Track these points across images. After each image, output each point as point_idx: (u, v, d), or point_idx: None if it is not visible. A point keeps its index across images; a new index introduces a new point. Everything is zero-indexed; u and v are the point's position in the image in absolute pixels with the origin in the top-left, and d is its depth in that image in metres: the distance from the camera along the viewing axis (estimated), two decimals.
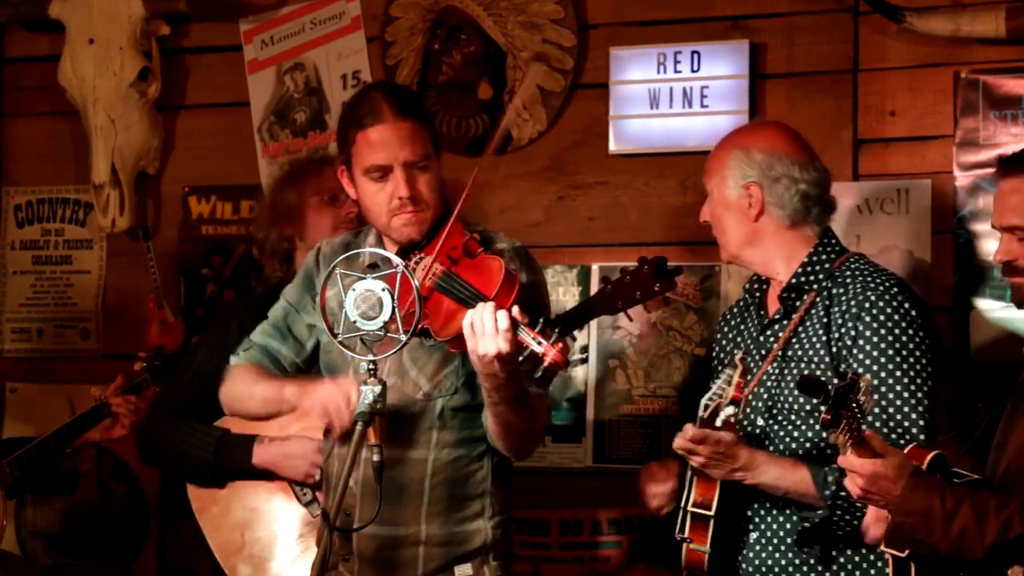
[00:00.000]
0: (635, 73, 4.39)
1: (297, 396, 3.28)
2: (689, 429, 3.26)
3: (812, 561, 3.33)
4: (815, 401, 3.17)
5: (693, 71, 4.33)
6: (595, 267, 4.39)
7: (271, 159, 4.81)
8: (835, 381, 3.23)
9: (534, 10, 4.50)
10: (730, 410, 3.27)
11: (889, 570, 2.99)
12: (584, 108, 4.48)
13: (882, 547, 2.97)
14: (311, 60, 4.79)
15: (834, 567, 3.32)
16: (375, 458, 2.99)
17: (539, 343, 2.91)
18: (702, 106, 4.32)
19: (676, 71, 4.35)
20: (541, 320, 2.95)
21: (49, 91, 4.95)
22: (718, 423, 3.26)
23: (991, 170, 3.98)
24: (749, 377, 3.44)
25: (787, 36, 4.29)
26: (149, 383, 4.21)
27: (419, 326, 3.00)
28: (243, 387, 3.42)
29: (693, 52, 4.33)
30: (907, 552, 2.93)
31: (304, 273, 3.47)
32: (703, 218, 3.56)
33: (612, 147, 4.41)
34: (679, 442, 3.27)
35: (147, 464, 4.29)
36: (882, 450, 2.92)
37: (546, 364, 2.91)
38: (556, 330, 2.93)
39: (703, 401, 3.31)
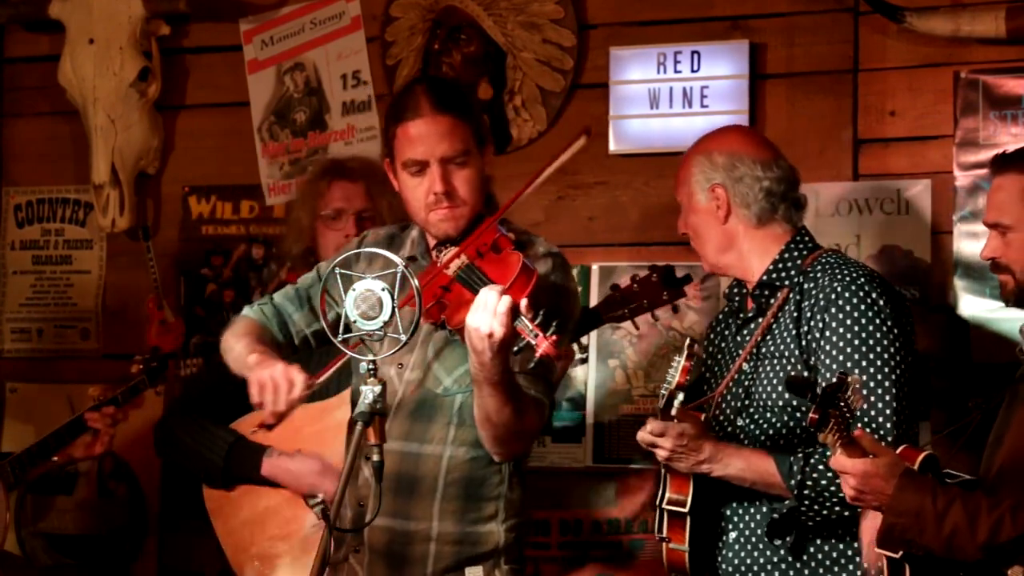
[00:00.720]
0: (635, 73, 4.39)
1: (252, 366, 3.23)
2: (650, 423, 3.28)
3: (790, 558, 3.33)
4: (802, 400, 3.18)
5: (693, 71, 4.34)
6: (595, 267, 4.39)
7: (271, 159, 4.81)
8: (805, 374, 3.25)
9: (534, 10, 4.50)
10: (680, 397, 3.27)
11: (884, 573, 2.99)
12: (584, 108, 4.48)
13: (876, 548, 2.97)
14: (311, 60, 4.79)
15: (812, 563, 3.32)
16: (375, 458, 2.98)
17: (535, 335, 2.92)
18: (702, 106, 4.32)
19: (676, 71, 4.35)
20: (542, 313, 2.95)
21: (49, 91, 4.95)
22: (672, 412, 3.27)
23: None
24: (722, 372, 3.45)
25: (787, 36, 4.29)
26: (146, 384, 4.21)
27: (420, 325, 3.01)
28: (232, 338, 3.39)
29: (693, 52, 4.34)
30: (901, 553, 2.93)
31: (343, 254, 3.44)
32: (680, 230, 3.58)
33: (612, 147, 4.41)
34: (641, 435, 3.29)
35: (162, 459, 4.32)
36: (872, 449, 2.92)
37: (538, 355, 2.91)
38: (555, 324, 2.93)
39: (661, 392, 3.33)
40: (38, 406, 4.93)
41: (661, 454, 3.28)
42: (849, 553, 3.29)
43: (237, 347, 3.35)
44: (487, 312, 2.96)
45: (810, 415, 2.85)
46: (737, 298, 3.57)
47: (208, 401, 4.04)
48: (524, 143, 4.53)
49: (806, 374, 3.27)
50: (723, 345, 3.58)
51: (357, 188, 4.06)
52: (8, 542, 4.58)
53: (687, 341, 3.36)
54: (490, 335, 2.96)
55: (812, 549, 3.32)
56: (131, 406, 4.16)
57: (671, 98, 4.36)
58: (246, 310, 3.49)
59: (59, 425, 4.16)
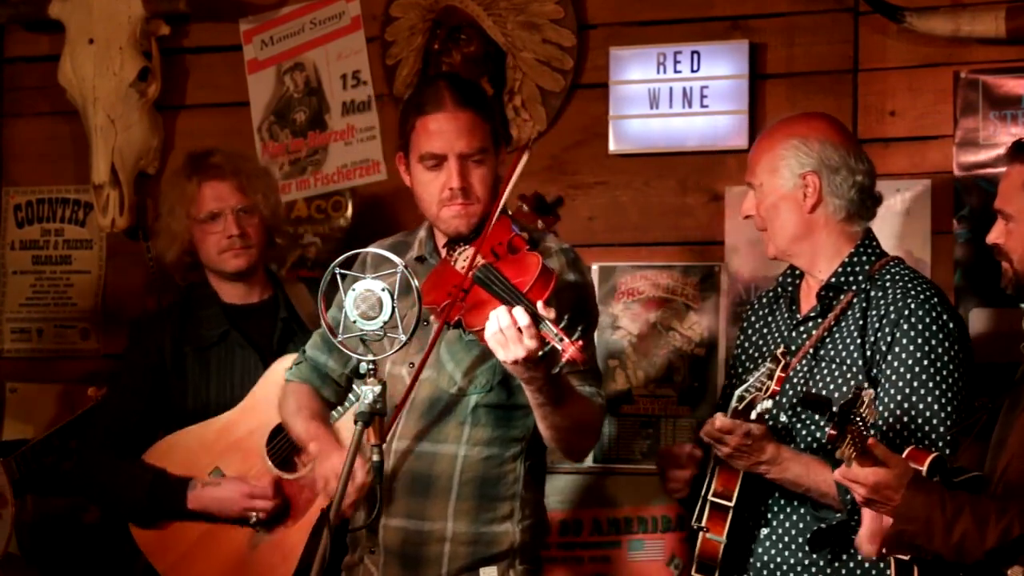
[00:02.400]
0: (635, 73, 4.39)
1: (313, 456, 3.36)
2: (719, 419, 3.24)
3: (822, 563, 3.32)
4: (820, 418, 3.17)
5: (693, 71, 4.33)
6: (595, 267, 4.38)
7: (271, 159, 4.80)
8: (865, 386, 3.21)
9: (534, 10, 4.50)
10: (767, 404, 3.24)
11: (892, 571, 2.99)
12: (584, 108, 4.48)
13: (884, 552, 2.97)
14: (311, 60, 4.78)
15: (843, 571, 3.31)
16: (375, 458, 2.98)
17: (560, 339, 2.90)
18: (702, 106, 4.32)
19: (676, 71, 4.35)
20: (567, 317, 2.93)
21: (49, 91, 4.95)
22: (752, 416, 3.24)
23: (991, 170, 4.00)
24: (763, 363, 3.43)
25: (787, 36, 4.29)
26: None
27: (419, 327, 3.00)
28: (287, 413, 3.49)
29: (693, 52, 4.33)
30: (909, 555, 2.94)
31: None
32: (746, 213, 3.50)
33: (612, 147, 4.41)
34: (707, 429, 3.25)
35: (85, 498, 4.35)
36: (884, 458, 2.92)
37: (564, 360, 2.90)
38: (580, 328, 2.92)
39: (738, 392, 3.28)
40: (38, 406, 4.93)
41: (724, 450, 3.25)
42: (880, 565, 3.25)
43: (295, 424, 3.45)
44: (512, 339, 2.92)
45: (828, 432, 2.84)
46: (790, 288, 3.53)
47: (116, 433, 4.02)
48: (524, 143, 4.52)
49: (866, 385, 3.24)
50: (768, 335, 3.54)
51: (229, 185, 4.02)
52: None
53: (780, 350, 3.33)
54: (527, 357, 2.93)
55: (846, 557, 3.30)
56: None
57: (671, 98, 4.35)
58: (288, 374, 3.54)
59: (60, 423, 4.20)
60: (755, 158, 3.48)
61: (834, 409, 2.85)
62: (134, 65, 4.76)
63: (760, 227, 3.48)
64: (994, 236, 3.17)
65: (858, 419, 2.83)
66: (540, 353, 2.93)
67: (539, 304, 2.94)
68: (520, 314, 2.92)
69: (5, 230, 5.10)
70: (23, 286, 5.07)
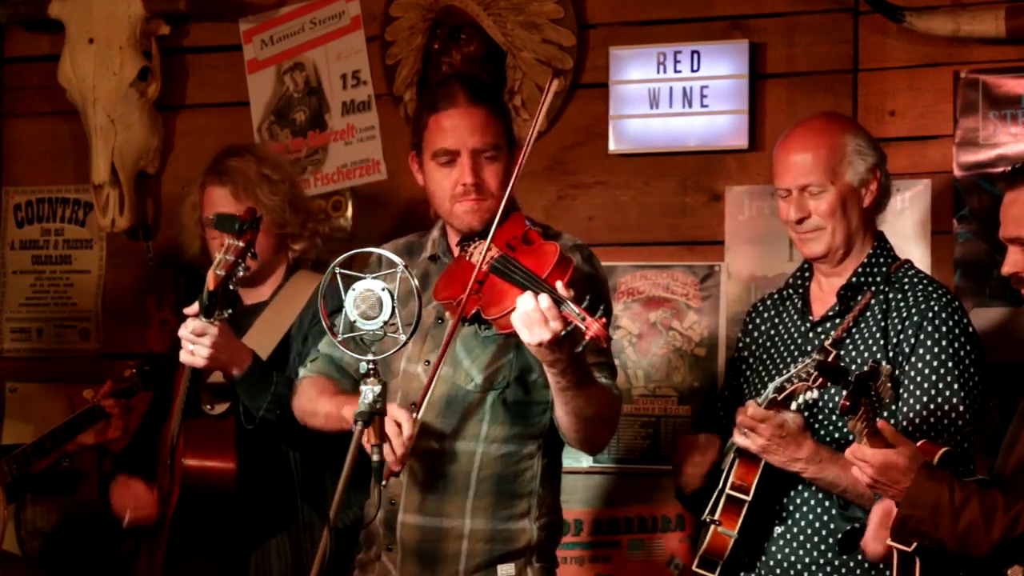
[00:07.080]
0: (635, 73, 4.39)
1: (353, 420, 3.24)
2: (751, 406, 3.23)
3: (837, 563, 3.31)
4: (836, 387, 3.15)
5: (693, 71, 4.33)
6: None
7: None
8: (884, 361, 3.21)
9: (534, 10, 4.50)
10: (814, 394, 3.21)
11: (894, 566, 2.99)
12: (584, 108, 4.48)
13: (889, 541, 2.97)
14: (311, 60, 4.79)
15: (858, 571, 3.31)
16: (375, 458, 2.98)
17: (582, 318, 2.89)
18: (702, 106, 4.32)
19: (676, 71, 4.35)
20: (588, 296, 2.92)
21: (49, 91, 4.95)
22: (792, 406, 3.22)
23: (991, 170, 4.00)
24: (774, 365, 3.42)
25: (787, 36, 4.29)
26: (139, 387, 4.22)
27: (417, 327, 3.00)
28: (307, 403, 3.42)
29: (693, 52, 4.33)
30: (913, 546, 2.93)
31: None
32: (798, 215, 3.44)
33: (612, 147, 4.41)
34: (741, 419, 3.24)
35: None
36: (894, 440, 2.93)
37: (588, 338, 2.88)
38: (601, 307, 2.91)
39: (775, 383, 3.25)
40: (38, 406, 4.93)
41: (758, 441, 3.24)
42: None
43: (322, 408, 3.36)
44: (537, 321, 2.91)
45: (841, 401, 2.84)
46: (801, 289, 3.54)
47: None
48: (523, 143, 4.51)
49: (884, 362, 3.23)
50: (777, 337, 3.53)
51: (224, 193, 3.94)
52: (8, 542, 4.59)
53: (829, 341, 3.31)
54: (552, 339, 2.92)
55: (861, 557, 3.27)
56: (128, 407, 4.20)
57: (671, 98, 4.35)
58: (302, 372, 3.51)
59: (55, 426, 4.20)
60: (802, 158, 3.43)
61: (850, 379, 2.85)
62: (134, 65, 4.76)
63: (814, 227, 3.43)
64: (1011, 266, 3.12)
65: (873, 393, 2.83)
66: (563, 333, 2.92)
67: (559, 285, 2.93)
68: (542, 298, 2.91)
69: (5, 230, 5.10)
70: (23, 286, 5.07)
